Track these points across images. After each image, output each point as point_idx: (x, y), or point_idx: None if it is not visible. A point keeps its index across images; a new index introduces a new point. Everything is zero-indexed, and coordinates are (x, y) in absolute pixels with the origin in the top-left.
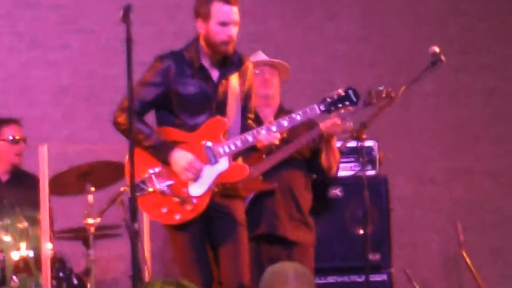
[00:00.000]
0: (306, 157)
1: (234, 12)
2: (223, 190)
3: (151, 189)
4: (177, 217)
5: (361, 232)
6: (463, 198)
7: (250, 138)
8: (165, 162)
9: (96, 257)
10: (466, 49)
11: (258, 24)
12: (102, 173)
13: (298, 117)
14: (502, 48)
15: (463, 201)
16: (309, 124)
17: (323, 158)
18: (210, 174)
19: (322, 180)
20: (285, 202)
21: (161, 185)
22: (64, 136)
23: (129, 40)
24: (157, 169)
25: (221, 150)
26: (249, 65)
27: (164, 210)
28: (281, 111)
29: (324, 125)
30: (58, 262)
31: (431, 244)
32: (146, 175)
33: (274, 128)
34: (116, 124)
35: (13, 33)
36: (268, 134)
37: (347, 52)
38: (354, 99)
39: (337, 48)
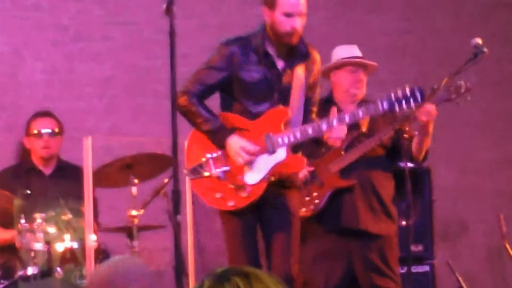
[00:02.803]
0: (387, 145)
1: (300, 3)
2: (280, 181)
3: (207, 174)
4: (231, 203)
5: (404, 223)
6: (507, 189)
7: (310, 131)
8: (222, 146)
9: (140, 249)
10: (509, 40)
11: None
12: (146, 165)
13: (360, 113)
14: None
15: (507, 192)
16: (389, 117)
17: (415, 144)
18: (267, 163)
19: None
20: (364, 195)
21: (217, 170)
22: (107, 128)
23: (172, 33)
24: (215, 154)
25: (280, 140)
26: (316, 57)
27: (218, 195)
28: (361, 104)
29: (420, 113)
30: (102, 254)
31: (474, 236)
32: (204, 159)
33: (335, 122)
34: (176, 105)
35: (57, 26)
36: (335, 127)
37: (389, 45)
38: (419, 98)
39: (379, 40)
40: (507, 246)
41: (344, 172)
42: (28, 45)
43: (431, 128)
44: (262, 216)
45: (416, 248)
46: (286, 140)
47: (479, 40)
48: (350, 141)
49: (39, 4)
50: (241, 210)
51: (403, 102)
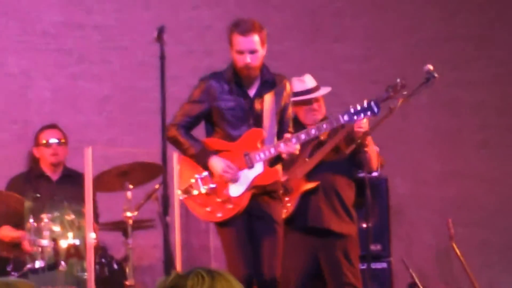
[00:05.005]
0: (346, 155)
1: (249, 41)
2: (263, 191)
3: (196, 192)
4: (219, 214)
5: (365, 225)
6: (454, 197)
7: (281, 145)
8: (205, 167)
9: (133, 246)
10: (456, 67)
11: (276, 45)
12: (139, 173)
13: (324, 126)
14: (488, 66)
15: (454, 199)
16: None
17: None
18: (247, 177)
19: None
20: (328, 198)
21: (205, 187)
22: (106, 140)
23: (162, 58)
24: (203, 174)
25: (257, 157)
26: (286, 84)
27: (208, 209)
28: (323, 121)
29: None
30: (101, 250)
31: (426, 237)
32: (193, 180)
33: (293, 140)
34: (166, 137)
35: (62, 50)
36: (287, 145)
37: (352, 70)
38: (375, 110)
39: (344, 66)
40: (454, 246)
41: (309, 177)
42: (36, 67)
43: (365, 140)
44: (249, 226)
45: (375, 247)
46: (262, 156)
47: (430, 67)
48: (311, 149)
49: (46, 31)
50: (232, 220)
51: (361, 114)
